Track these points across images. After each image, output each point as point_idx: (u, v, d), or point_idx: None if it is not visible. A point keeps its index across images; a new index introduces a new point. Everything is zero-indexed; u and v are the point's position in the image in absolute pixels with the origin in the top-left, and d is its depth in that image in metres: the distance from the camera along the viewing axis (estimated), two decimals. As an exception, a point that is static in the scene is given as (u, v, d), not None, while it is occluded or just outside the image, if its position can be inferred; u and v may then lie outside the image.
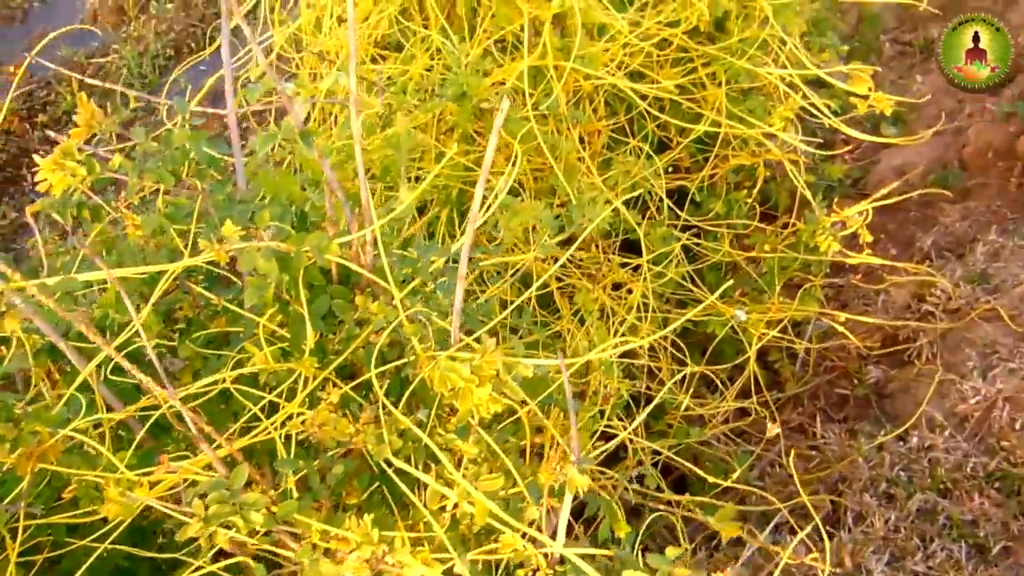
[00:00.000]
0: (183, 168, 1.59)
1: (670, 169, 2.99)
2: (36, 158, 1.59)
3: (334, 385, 1.47)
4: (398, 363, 1.45)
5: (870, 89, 2.72)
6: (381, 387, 1.43)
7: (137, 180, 1.61)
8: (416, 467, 1.39)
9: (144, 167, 1.58)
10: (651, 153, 2.70)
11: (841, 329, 2.65)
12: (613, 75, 2.56)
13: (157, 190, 1.75)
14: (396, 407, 1.42)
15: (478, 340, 1.39)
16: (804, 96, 2.76)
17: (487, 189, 1.36)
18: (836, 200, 3.67)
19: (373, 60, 2.87)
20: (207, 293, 1.67)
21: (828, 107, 2.78)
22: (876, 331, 2.85)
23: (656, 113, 2.66)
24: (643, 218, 2.71)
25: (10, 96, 5.94)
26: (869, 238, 2.71)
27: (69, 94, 6.62)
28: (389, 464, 1.39)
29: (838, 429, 2.67)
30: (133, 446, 1.36)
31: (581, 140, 2.68)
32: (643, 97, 2.62)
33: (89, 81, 2.40)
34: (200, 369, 1.66)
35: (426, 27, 2.71)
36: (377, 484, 1.42)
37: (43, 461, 1.25)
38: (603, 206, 2.08)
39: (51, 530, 1.37)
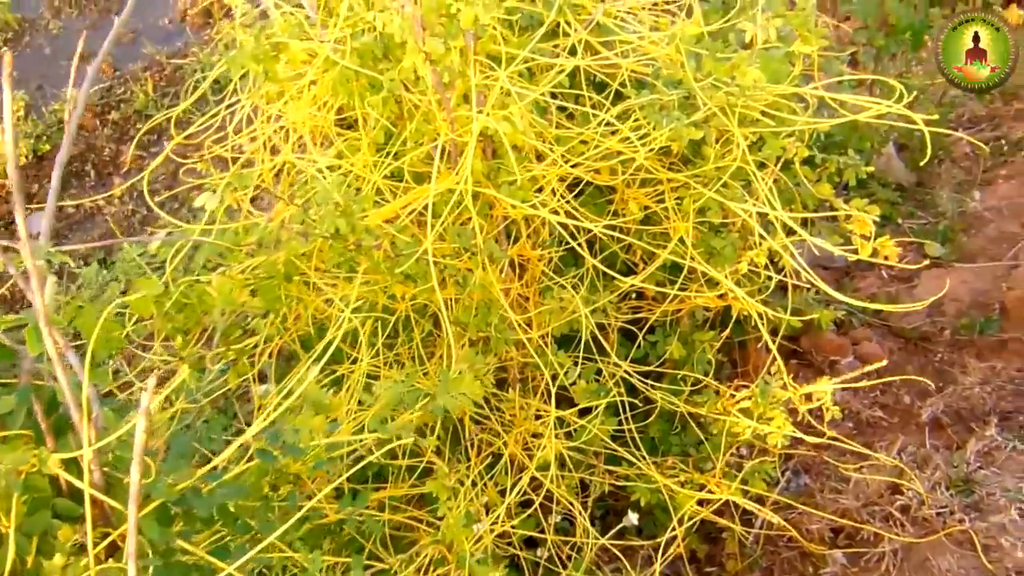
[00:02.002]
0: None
1: (634, 296, 2.66)
2: None
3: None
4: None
5: (870, 234, 2.37)
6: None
7: None
8: None
9: None
10: (592, 284, 2.39)
11: (783, 523, 2.27)
12: (554, 200, 2.27)
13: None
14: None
15: None
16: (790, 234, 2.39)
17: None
18: (850, 334, 3.24)
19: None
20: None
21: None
22: (842, 511, 2.45)
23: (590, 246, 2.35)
24: (582, 356, 2.40)
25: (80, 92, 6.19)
26: (838, 415, 2.32)
27: (143, 93, 6.73)
28: None
29: (777, 627, 2.31)
30: None
31: (514, 268, 2.40)
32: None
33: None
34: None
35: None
36: None
37: None
38: (471, 382, 1.80)
39: None
